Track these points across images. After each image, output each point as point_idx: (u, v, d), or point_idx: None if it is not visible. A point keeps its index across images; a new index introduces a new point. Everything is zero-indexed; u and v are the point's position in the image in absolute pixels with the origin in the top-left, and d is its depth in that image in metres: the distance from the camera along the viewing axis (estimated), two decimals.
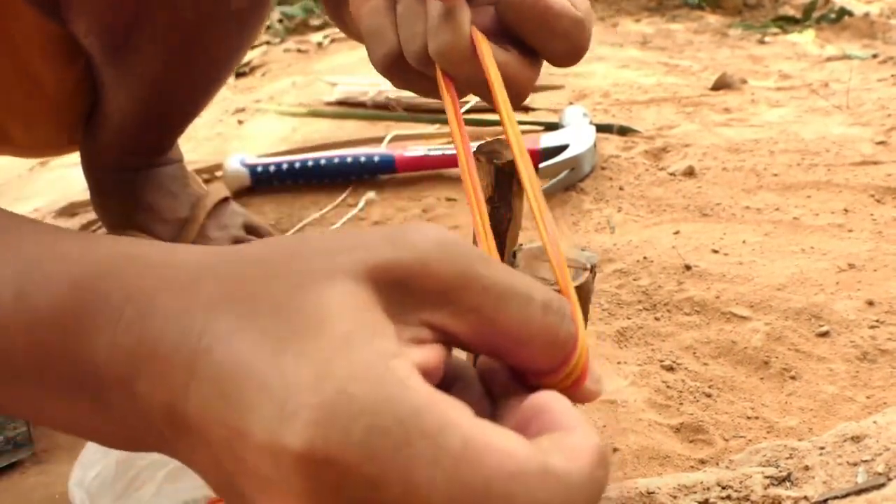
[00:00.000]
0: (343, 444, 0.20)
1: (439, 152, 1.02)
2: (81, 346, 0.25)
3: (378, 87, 1.29)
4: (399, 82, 0.43)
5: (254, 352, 0.22)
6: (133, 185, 0.80)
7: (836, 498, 0.45)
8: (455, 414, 0.21)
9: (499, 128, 1.14)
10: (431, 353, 0.24)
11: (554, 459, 0.21)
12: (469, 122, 1.18)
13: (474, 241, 0.34)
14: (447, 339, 0.25)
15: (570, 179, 0.97)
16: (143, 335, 0.24)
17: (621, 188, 0.98)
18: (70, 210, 1.02)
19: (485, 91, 0.38)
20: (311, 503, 0.21)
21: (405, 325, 0.24)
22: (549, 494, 0.21)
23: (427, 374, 0.23)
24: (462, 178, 0.32)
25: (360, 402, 0.20)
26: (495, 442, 0.21)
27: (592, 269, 0.31)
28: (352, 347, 0.21)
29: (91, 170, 0.83)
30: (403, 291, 0.24)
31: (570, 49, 0.39)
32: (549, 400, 0.24)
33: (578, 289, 0.30)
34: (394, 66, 0.42)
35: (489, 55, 0.37)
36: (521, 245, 0.31)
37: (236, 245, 0.27)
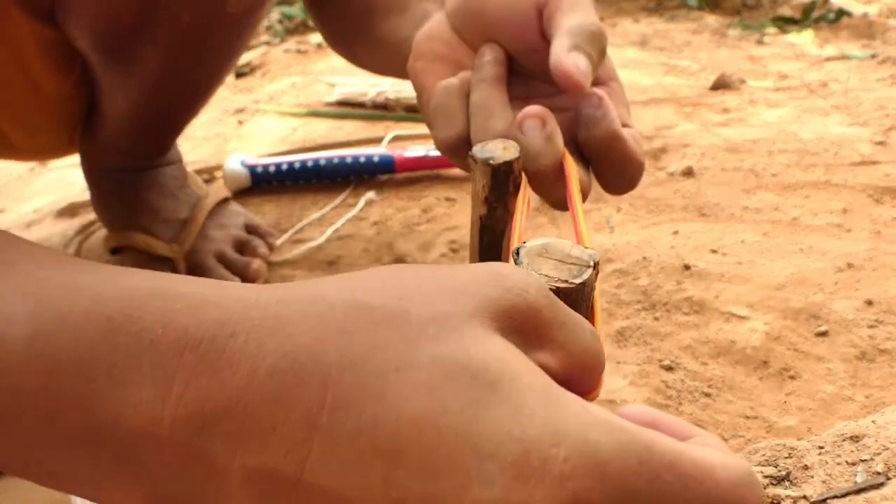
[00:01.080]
0: (602, 491, 0.20)
1: (439, 153, 1.02)
2: (113, 398, 0.22)
3: (378, 87, 1.30)
4: (460, 163, 0.45)
5: (439, 410, 0.21)
6: (133, 186, 0.80)
7: (835, 497, 0.45)
8: (667, 441, 0.22)
9: None
10: None
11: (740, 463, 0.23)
12: None
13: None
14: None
15: None
16: (216, 387, 0.22)
17: None
18: (70, 210, 1.02)
19: (554, 199, 0.42)
20: None
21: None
22: (754, 488, 0.23)
23: None
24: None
25: (606, 448, 0.21)
26: (708, 458, 0.22)
27: (595, 267, 0.31)
28: (557, 398, 0.22)
29: (90, 171, 0.83)
30: (519, 333, 0.24)
31: (626, 188, 0.44)
32: (650, 413, 0.26)
33: (581, 286, 0.30)
34: (459, 149, 0.44)
35: (575, 181, 0.40)
36: (525, 243, 0.31)
37: (279, 285, 0.25)
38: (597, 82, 0.45)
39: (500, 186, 0.41)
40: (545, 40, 0.45)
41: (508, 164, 0.40)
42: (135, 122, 0.75)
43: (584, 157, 0.44)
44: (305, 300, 0.24)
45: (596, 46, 0.43)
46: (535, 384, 0.22)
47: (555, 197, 0.41)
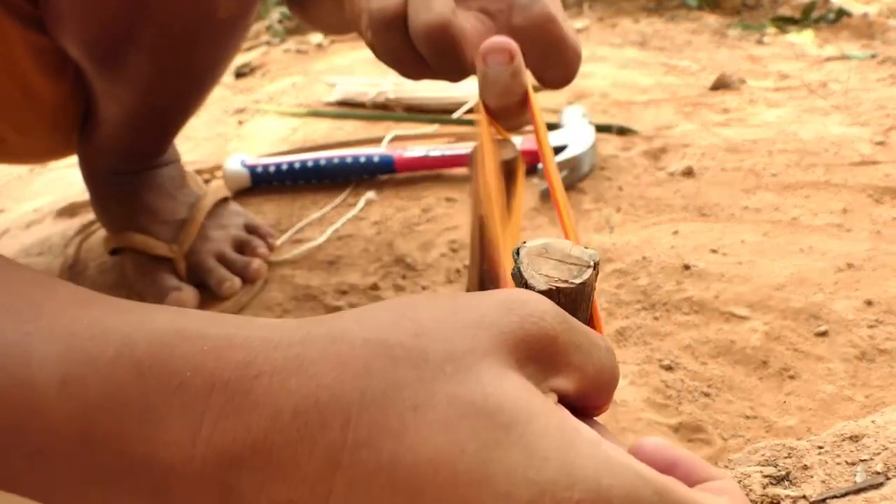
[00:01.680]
0: None
1: (439, 153, 1.02)
2: (144, 437, 0.23)
3: (378, 87, 1.30)
4: (391, 39, 0.43)
5: (456, 450, 0.22)
6: (131, 188, 0.81)
7: (834, 497, 0.45)
8: (680, 489, 0.23)
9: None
10: None
11: None
12: (468, 123, 1.18)
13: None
14: (561, 401, 0.26)
15: (569, 179, 0.97)
16: (243, 428, 0.23)
17: (620, 188, 0.98)
18: (70, 210, 1.02)
19: (515, 126, 0.42)
20: None
21: (547, 395, 0.25)
22: None
23: None
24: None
25: (618, 493, 0.22)
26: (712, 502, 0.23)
27: (595, 267, 0.31)
28: (572, 441, 0.22)
29: (88, 173, 0.83)
30: (536, 362, 0.25)
31: (567, 76, 0.43)
32: (668, 451, 0.26)
33: (581, 285, 0.30)
34: (392, 24, 0.42)
35: (543, 129, 0.40)
36: (525, 242, 0.31)
37: (301, 321, 0.26)
38: None
39: (505, 180, 0.41)
40: None
41: (508, 164, 0.40)
42: (129, 125, 0.75)
43: (521, 48, 0.42)
44: (326, 339, 0.24)
45: None
46: (550, 425, 0.23)
47: (516, 124, 0.42)
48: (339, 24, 0.64)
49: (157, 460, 0.23)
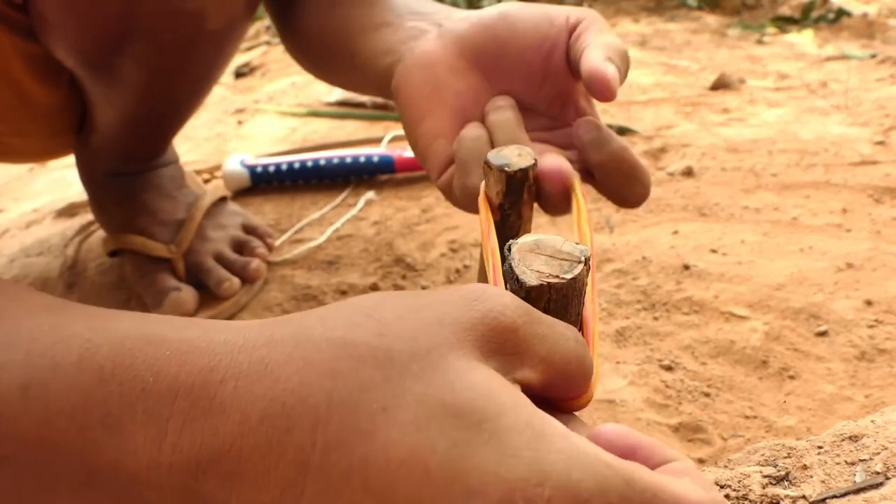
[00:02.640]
0: None
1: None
2: (109, 444, 0.23)
3: None
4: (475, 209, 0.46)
5: (427, 450, 0.22)
6: (129, 189, 0.81)
7: (834, 497, 0.45)
8: (647, 475, 0.23)
9: None
10: None
11: (703, 491, 0.25)
12: None
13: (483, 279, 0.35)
14: (526, 392, 0.26)
15: None
16: (210, 433, 0.23)
17: None
18: (70, 210, 1.02)
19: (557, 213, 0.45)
20: None
21: (513, 385, 0.25)
22: None
23: None
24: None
25: (588, 486, 0.22)
26: (688, 493, 0.24)
27: (587, 262, 0.31)
28: (541, 435, 0.23)
29: (87, 175, 0.83)
30: (500, 354, 0.25)
31: (645, 194, 0.45)
32: (628, 436, 0.26)
33: (572, 281, 0.30)
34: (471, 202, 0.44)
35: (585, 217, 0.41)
36: (517, 239, 0.31)
37: (264, 323, 0.26)
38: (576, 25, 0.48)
39: (514, 193, 0.41)
40: (555, 75, 0.48)
41: (524, 172, 0.40)
42: (125, 130, 0.75)
43: (600, 178, 0.46)
44: (290, 341, 0.24)
45: (624, 63, 0.45)
46: (519, 420, 0.23)
47: (559, 212, 0.44)
48: (351, 83, 0.63)
49: (123, 468, 0.23)
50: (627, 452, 0.26)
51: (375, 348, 0.24)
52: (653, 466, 0.26)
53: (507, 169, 0.40)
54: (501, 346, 0.25)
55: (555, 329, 0.27)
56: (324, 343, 0.24)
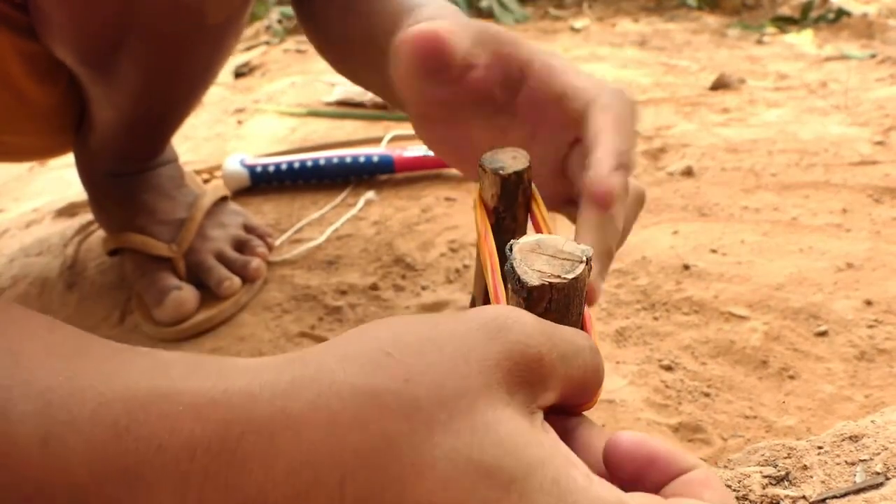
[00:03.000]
0: None
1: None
2: (128, 496, 0.23)
3: None
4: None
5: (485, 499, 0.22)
6: (129, 189, 0.81)
7: (834, 497, 0.45)
8: None
9: None
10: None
11: None
12: None
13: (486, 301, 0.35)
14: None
15: None
16: (233, 488, 0.22)
17: None
18: (70, 210, 1.02)
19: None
20: None
21: (535, 414, 0.26)
22: None
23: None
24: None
25: None
26: None
27: (588, 262, 0.31)
28: (569, 493, 0.23)
29: (86, 175, 0.83)
30: (525, 386, 0.25)
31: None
32: (646, 447, 0.27)
33: (574, 281, 0.30)
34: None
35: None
36: (518, 239, 0.31)
37: (280, 363, 0.25)
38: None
39: (509, 196, 0.41)
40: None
41: (518, 174, 0.40)
42: (124, 129, 0.75)
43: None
44: (312, 387, 0.24)
45: (630, 169, 0.41)
46: (546, 479, 0.23)
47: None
48: (377, 87, 0.59)
49: None
50: (645, 464, 0.26)
51: (401, 396, 0.23)
52: (672, 477, 0.26)
53: (501, 172, 0.40)
54: (528, 377, 0.25)
55: (575, 344, 0.27)
56: (347, 391, 0.23)
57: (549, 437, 0.25)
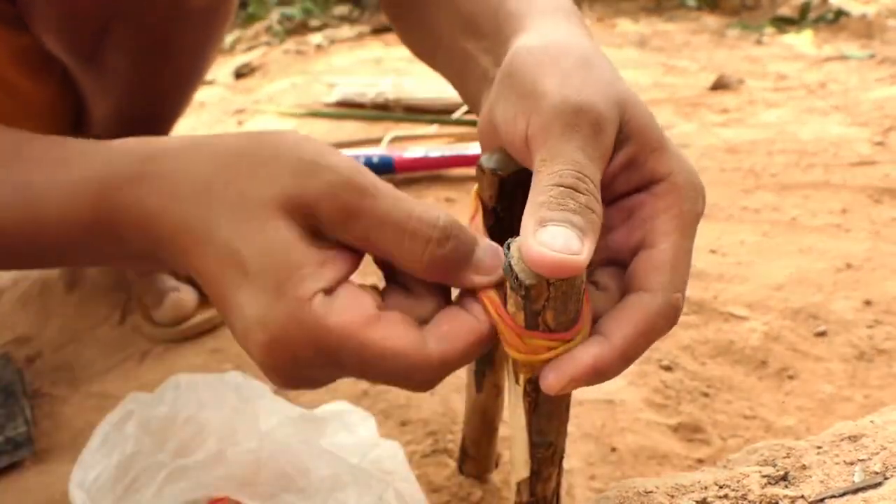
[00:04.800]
0: (285, 363, 0.32)
1: (438, 153, 1.02)
2: (115, 208, 0.34)
3: (377, 88, 1.30)
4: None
5: (220, 280, 0.32)
6: None
7: (833, 497, 0.45)
8: (362, 331, 0.31)
9: None
10: (344, 266, 0.33)
11: (432, 345, 0.32)
12: (468, 123, 1.18)
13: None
14: (357, 251, 0.34)
15: None
16: (154, 223, 0.33)
17: None
18: None
19: None
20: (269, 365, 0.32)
21: (322, 243, 0.33)
22: (425, 372, 0.32)
23: (340, 281, 0.33)
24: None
25: (294, 339, 0.31)
26: (383, 341, 0.31)
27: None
28: (284, 295, 0.31)
29: None
30: (316, 216, 0.32)
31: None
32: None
33: (572, 279, 0.30)
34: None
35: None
36: (516, 237, 0.32)
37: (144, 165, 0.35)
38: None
39: (507, 197, 0.41)
40: None
41: (516, 175, 0.40)
42: (120, 121, 0.75)
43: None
44: (158, 185, 0.34)
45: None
46: (282, 282, 0.31)
47: None
48: (467, 98, 0.51)
49: (124, 227, 0.35)
50: None
51: (211, 186, 0.33)
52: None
53: (499, 173, 0.40)
54: (315, 211, 0.32)
55: (391, 218, 0.32)
56: (192, 179, 0.34)
57: (311, 257, 0.32)
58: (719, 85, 1.29)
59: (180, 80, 0.76)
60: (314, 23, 1.85)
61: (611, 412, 0.63)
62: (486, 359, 0.51)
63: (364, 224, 0.32)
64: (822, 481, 0.47)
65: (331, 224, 0.32)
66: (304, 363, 0.32)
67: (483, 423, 0.54)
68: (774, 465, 0.49)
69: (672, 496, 0.48)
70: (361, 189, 0.32)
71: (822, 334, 0.70)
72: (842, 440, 0.50)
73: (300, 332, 0.31)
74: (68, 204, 0.35)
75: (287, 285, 0.31)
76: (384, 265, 0.36)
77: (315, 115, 1.29)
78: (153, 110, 0.77)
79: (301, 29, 1.84)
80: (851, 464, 0.47)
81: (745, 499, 0.46)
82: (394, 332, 0.32)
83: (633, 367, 0.68)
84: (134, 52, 0.67)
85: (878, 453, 0.48)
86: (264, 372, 0.32)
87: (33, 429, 0.66)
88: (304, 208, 0.32)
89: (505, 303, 0.33)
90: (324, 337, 0.31)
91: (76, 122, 0.80)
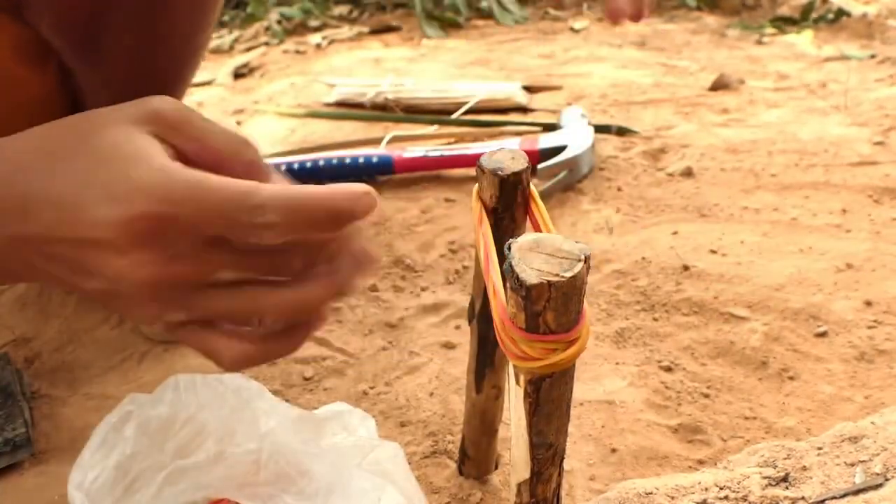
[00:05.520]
0: (154, 240, 0.35)
1: (438, 153, 1.02)
2: None
3: (376, 88, 1.29)
4: None
5: (76, 181, 0.36)
6: None
7: (833, 498, 0.45)
8: (182, 174, 0.36)
9: (495, 129, 1.14)
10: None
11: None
12: (467, 123, 1.18)
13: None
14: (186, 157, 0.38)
15: (568, 180, 0.97)
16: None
17: (619, 189, 0.98)
18: None
19: None
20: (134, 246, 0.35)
21: (167, 146, 0.38)
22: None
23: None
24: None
25: (161, 199, 0.34)
26: (186, 175, 0.35)
27: (586, 261, 0.31)
28: (139, 161, 0.35)
29: None
30: (160, 126, 0.38)
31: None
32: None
33: (572, 279, 0.30)
34: None
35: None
36: (517, 238, 0.32)
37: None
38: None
39: (507, 197, 0.41)
40: None
41: (517, 175, 0.40)
42: None
43: None
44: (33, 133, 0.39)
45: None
46: (135, 152, 0.36)
47: None
48: None
49: None
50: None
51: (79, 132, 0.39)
52: None
53: (500, 173, 0.40)
54: (160, 121, 0.38)
55: (213, 128, 0.38)
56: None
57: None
58: (719, 85, 1.29)
59: (173, 65, 0.77)
60: (313, 23, 1.85)
61: (611, 413, 0.63)
62: (486, 360, 0.51)
63: (195, 130, 0.38)
64: (822, 482, 0.46)
65: (173, 130, 0.38)
66: (172, 234, 0.34)
67: (483, 424, 0.54)
68: (775, 466, 0.49)
69: (672, 497, 0.48)
70: (192, 110, 0.40)
71: (822, 335, 0.70)
72: (842, 441, 0.50)
73: (165, 191, 0.34)
74: None
75: (144, 153, 0.36)
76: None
77: (314, 115, 1.29)
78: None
79: (300, 29, 1.84)
80: (852, 465, 0.47)
81: (746, 500, 0.46)
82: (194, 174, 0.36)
83: (633, 369, 0.68)
84: (128, 35, 0.68)
85: (878, 454, 0.48)
86: (123, 291, 0.35)
87: (32, 430, 0.66)
88: (147, 116, 0.38)
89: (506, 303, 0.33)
90: (194, 186, 0.35)
91: (74, 113, 0.80)
